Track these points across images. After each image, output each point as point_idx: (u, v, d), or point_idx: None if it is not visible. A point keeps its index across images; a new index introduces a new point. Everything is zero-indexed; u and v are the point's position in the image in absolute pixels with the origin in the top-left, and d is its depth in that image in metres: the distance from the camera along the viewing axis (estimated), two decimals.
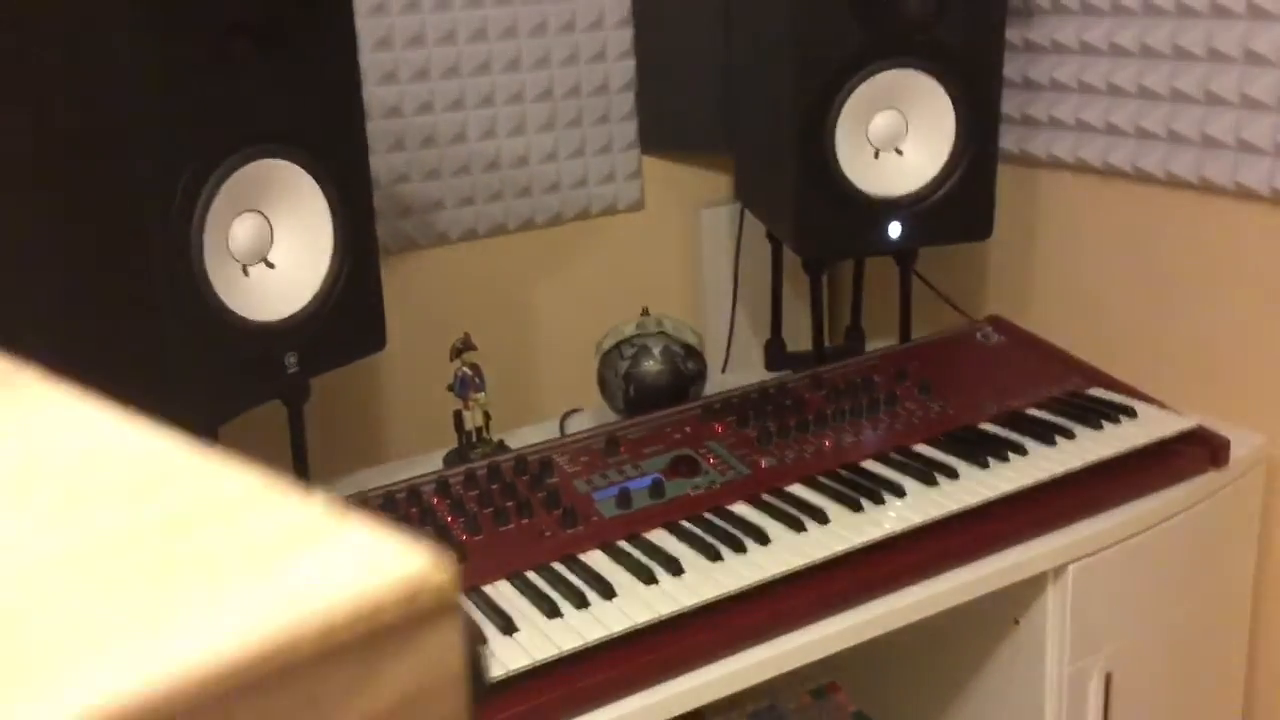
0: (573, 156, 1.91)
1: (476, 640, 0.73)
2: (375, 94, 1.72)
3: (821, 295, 1.69)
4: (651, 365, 1.46)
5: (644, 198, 1.98)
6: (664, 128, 1.92)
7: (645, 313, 1.52)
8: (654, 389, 1.46)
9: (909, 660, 1.51)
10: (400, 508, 1.21)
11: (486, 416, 1.48)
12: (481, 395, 1.46)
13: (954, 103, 1.48)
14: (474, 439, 1.47)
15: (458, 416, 1.46)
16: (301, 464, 1.35)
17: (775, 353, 1.78)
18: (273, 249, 1.18)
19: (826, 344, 1.73)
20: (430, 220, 1.81)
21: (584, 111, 1.89)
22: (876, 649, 1.54)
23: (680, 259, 2.02)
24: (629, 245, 1.97)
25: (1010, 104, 1.74)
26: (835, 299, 2.09)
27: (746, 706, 1.47)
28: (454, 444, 1.50)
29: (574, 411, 1.69)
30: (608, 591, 1.09)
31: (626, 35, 1.89)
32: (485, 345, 1.68)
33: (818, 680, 1.52)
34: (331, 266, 1.20)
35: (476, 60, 1.78)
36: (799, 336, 1.83)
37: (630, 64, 1.90)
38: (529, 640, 1.03)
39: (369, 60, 1.70)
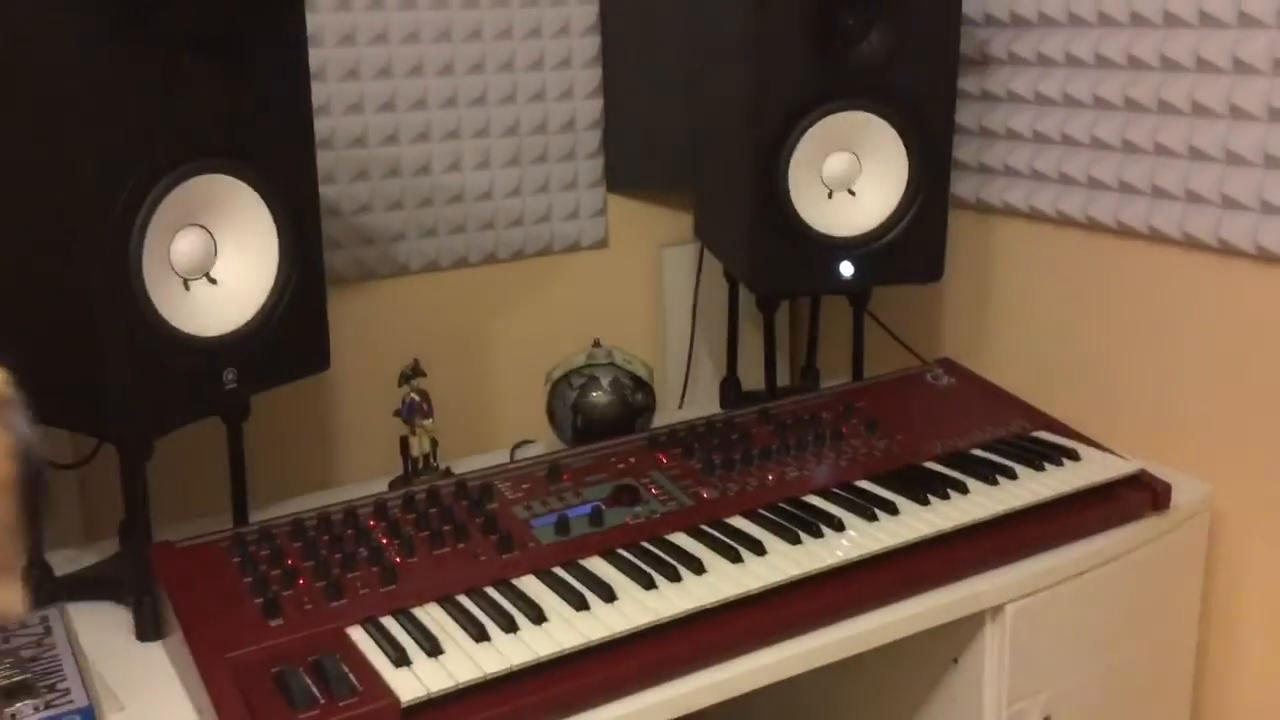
0: (537, 192, 1.92)
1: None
2: (340, 124, 1.73)
3: (774, 333, 1.70)
4: (600, 396, 1.46)
5: (608, 235, 1.99)
6: (629, 167, 1.94)
7: (597, 344, 1.53)
8: (602, 420, 1.46)
9: (849, 700, 1.50)
10: (335, 528, 1.20)
11: (434, 443, 1.47)
12: (429, 422, 1.46)
13: (906, 146, 1.50)
14: (420, 465, 1.46)
15: (404, 442, 1.46)
16: (240, 483, 1.34)
17: (730, 391, 1.78)
18: (216, 265, 1.18)
19: (783, 384, 1.74)
20: (392, 251, 1.81)
21: (550, 148, 1.91)
22: (816, 689, 1.53)
23: (642, 297, 2.03)
24: (591, 282, 1.98)
25: (966, 151, 1.77)
26: (794, 341, 2.10)
27: None
28: (401, 471, 1.49)
29: (525, 443, 1.68)
30: (538, 616, 1.09)
31: (595, 74, 1.90)
32: (441, 376, 1.68)
33: None
34: (275, 284, 1.20)
35: (443, 94, 1.80)
36: (757, 376, 1.84)
37: (598, 103, 1.92)
38: (453, 663, 1.02)
39: (335, 89, 1.71)
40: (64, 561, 1.31)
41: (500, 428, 1.87)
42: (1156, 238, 1.54)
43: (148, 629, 1.19)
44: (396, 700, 0.97)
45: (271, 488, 1.57)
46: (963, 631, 1.30)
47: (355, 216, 1.77)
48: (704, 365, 2.03)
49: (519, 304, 1.93)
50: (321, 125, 1.70)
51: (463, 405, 1.88)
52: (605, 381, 1.46)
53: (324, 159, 1.72)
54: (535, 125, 1.88)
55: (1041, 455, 1.39)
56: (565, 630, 1.07)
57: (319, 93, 1.69)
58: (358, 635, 1.07)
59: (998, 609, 1.27)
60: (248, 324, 1.19)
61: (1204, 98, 1.44)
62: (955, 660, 1.33)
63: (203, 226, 1.16)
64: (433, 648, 1.04)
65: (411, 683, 0.99)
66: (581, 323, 1.94)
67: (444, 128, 1.81)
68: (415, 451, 1.46)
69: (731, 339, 1.78)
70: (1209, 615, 1.53)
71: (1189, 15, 1.44)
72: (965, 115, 1.76)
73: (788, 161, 1.47)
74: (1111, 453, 1.43)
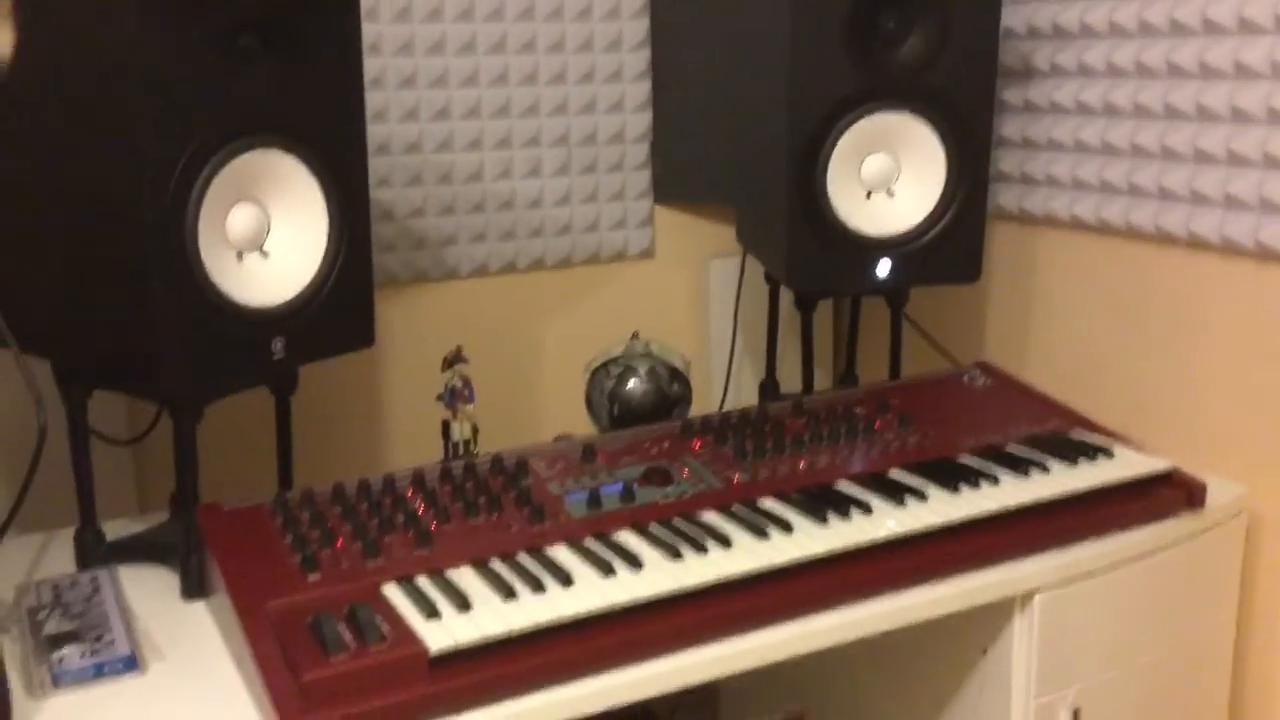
0: (586, 201, 1.96)
1: None
2: (396, 130, 1.79)
3: (812, 332, 1.72)
4: (636, 385, 1.49)
5: (654, 246, 2.03)
6: (676, 179, 1.98)
7: (635, 336, 1.56)
8: (638, 409, 1.48)
9: (877, 689, 1.50)
10: (374, 495, 1.24)
11: (475, 429, 1.51)
12: (470, 407, 1.50)
13: (945, 147, 1.52)
14: (461, 450, 1.50)
15: (445, 427, 1.49)
16: (286, 455, 1.38)
17: (768, 392, 1.80)
18: (268, 239, 1.23)
19: (821, 388, 1.75)
20: (442, 255, 1.86)
21: (599, 159, 1.95)
22: (844, 678, 1.54)
23: (686, 308, 2.06)
24: (636, 291, 2.02)
25: (1009, 163, 1.79)
26: (834, 349, 2.12)
27: None
28: (442, 457, 1.52)
29: (564, 436, 1.71)
30: (566, 580, 1.11)
31: (644, 88, 1.95)
32: (486, 378, 1.71)
33: (786, 709, 1.51)
34: (324, 260, 1.25)
35: (496, 104, 1.85)
36: (796, 381, 1.86)
37: (647, 116, 1.97)
38: (481, 618, 1.05)
39: (393, 97, 1.77)
40: (116, 530, 1.36)
41: (541, 429, 1.91)
42: (1195, 243, 1.54)
43: (192, 588, 1.23)
44: (425, 648, 1.00)
45: (316, 474, 1.61)
46: (991, 622, 1.30)
47: (408, 220, 1.83)
48: (746, 374, 2.05)
49: (565, 310, 1.97)
50: (378, 131, 1.77)
51: (506, 406, 1.91)
52: (642, 371, 1.49)
53: (380, 163, 1.78)
54: (585, 136, 1.93)
55: (1076, 452, 1.39)
56: (592, 593, 1.09)
57: (377, 100, 1.75)
58: (391, 591, 1.10)
59: (1027, 598, 1.28)
60: (296, 297, 1.23)
61: (1243, 102, 1.45)
62: (984, 651, 1.33)
63: (256, 201, 1.21)
64: (462, 604, 1.06)
65: (440, 633, 1.02)
66: (625, 330, 1.96)
67: (496, 136, 1.87)
68: (456, 436, 1.49)
69: (771, 341, 1.80)
70: (1248, 622, 1.51)
71: (1228, 22, 1.45)
72: (1009, 127, 1.78)
73: (826, 161, 1.50)
74: (1145, 451, 1.43)
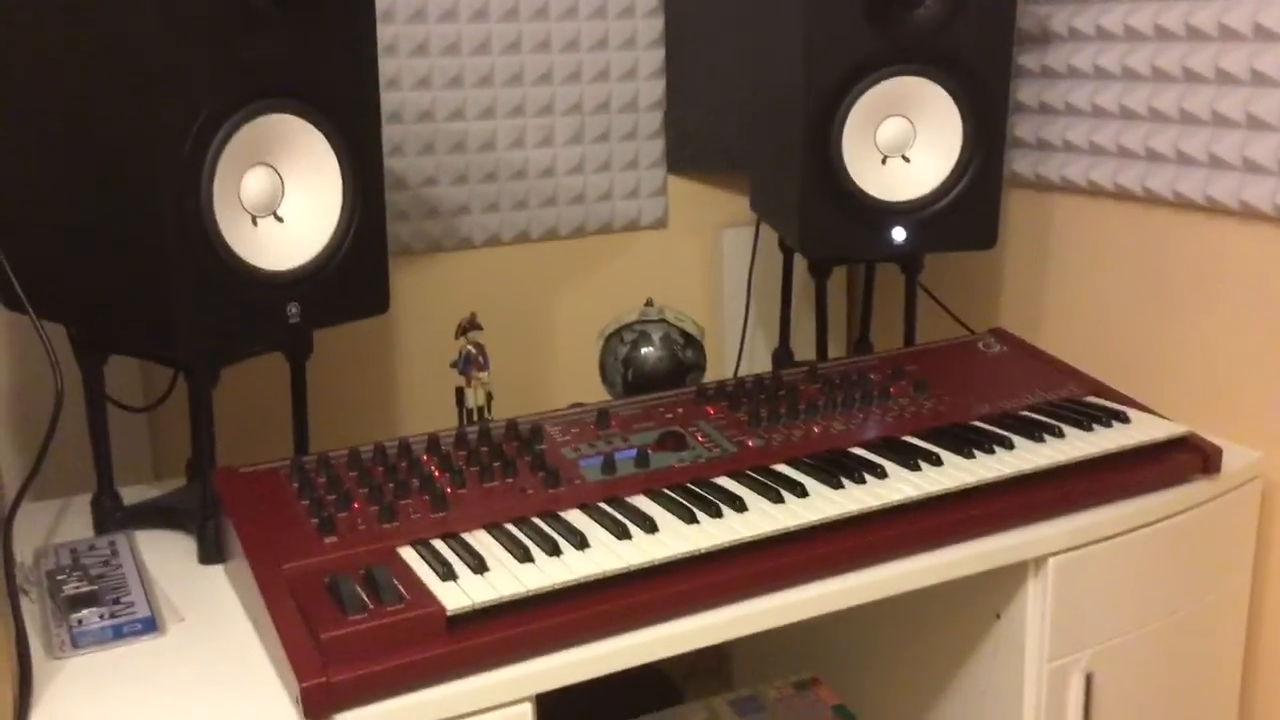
0: (599, 171, 1.96)
1: None
2: (409, 98, 1.79)
3: (826, 299, 1.72)
4: (650, 351, 1.49)
5: (667, 215, 2.02)
6: (690, 148, 1.97)
7: (649, 303, 1.56)
8: (652, 375, 1.48)
9: (891, 655, 1.50)
10: (390, 459, 1.24)
11: (489, 396, 1.51)
12: (484, 374, 1.50)
13: (961, 112, 1.51)
14: (475, 417, 1.50)
15: (459, 394, 1.50)
16: (301, 420, 1.39)
17: (782, 360, 1.80)
18: (283, 203, 1.23)
19: (835, 356, 1.75)
20: (455, 224, 1.86)
21: (612, 127, 1.95)
22: (857, 643, 1.54)
23: (700, 277, 2.06)
24: (649, 261, 2.01)
25: (1025, 129, 1.78)
26: (848, 317, 2.12)
27: (728, 694, 1.48)
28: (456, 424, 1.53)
29: (578, 405, 1.71)
30: (581, 543, 1.11)
31: (658, 55, 1.94)
32: (498, 347, 1.72)
33: (800, 673, 1.52)
34: (339, 225, 1.25)
35: (509, 71, 1.85)
36: (810, 350, 1.85)
37: (660, 84, 1.96)
38: (497, 579, 1.05)
39: (405, 65, 1.77)
40: (132, 497, 1.37)
41: (554, 398, 1.91)
42: (1213, 208, 1.53)
43: (209, 552, 1.24)
44: (442, 608, 1.00)
45: (329, 442, 1.62)
46: (1006, 585, 1.30)
47: (421, 189, 1.83)
48: (759, 344, 2.05)
49: (578, 280, 1.97)
50: (391, 99, 1.76)
51: (519, 376, 1.92)
52: (656, 337, 1.49)
53: (392, 132, 1.78)
54: (598, 104, 1.92)
55: (1091, 417, 1.39)
56: (607, 555, 1.09)
57: (389, 68, 1.75)
58: (407, 554, 1.10)
59: (1040, 561, 1.28)
60: (311, 261, 1.23)
61: (1262, 65, 1.44)
62: (998, 615, 1.33)
63: (271, 166, 1.21)
64: (478, 565, 1.07)
65: (457, 594, 1.02)
66: (638, 299, 1.97)
67: (509, 104, 1.86)
68: (470, 403, 1.50)
69: (785, 309, 1.80)
70: (1262, 588, 1.51)
71: None
72: (1025, 92, 1.77)
73: (842, 126, 1.49)
74: (1161, 416, 1.43)
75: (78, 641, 1.08)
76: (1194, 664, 1.44)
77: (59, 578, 1.18)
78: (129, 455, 1.55)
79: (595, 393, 1.60)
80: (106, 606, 1.12)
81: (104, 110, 1.14)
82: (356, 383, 1.82)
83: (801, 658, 1.64)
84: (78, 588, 1.16)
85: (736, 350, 2.00)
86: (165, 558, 1.26)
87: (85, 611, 1.11)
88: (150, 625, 1.10)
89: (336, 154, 1.24)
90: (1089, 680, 1.33)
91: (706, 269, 2.07)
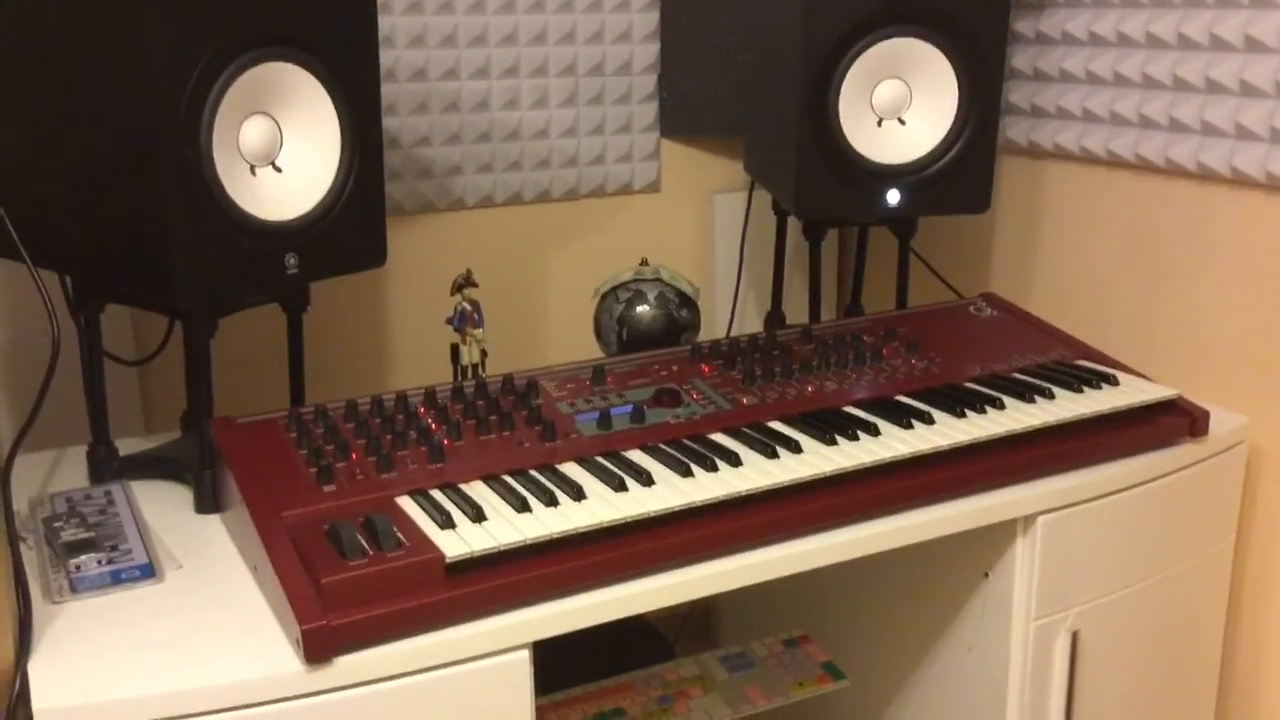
0: (592, 134, 1.95)
1: None
2: (403, 56, 1.78)
3: (819, 262, 1.73)
4: (646, 310, 1.49)
5: (660, 180, 2.02)
6: (684, 112, 1.97)
7: (644, 263, 1.56)
8: (647, 333, 1.49)
9: (880, 614, 1.52)
10: (387, 411, 1.25)
11: (483, 354, 1.51)
12: (479, 331, 1.50)
13: (957, 75, 1.52)
14: (469, 374, 1.50)
15: (454, 350, 1.50)
16: (298, 372, 1.39)
17: (774, 323, 1.81)
18: (281, 153, 1.23)
19: (827, 319, 1.76)
20: (448, 185, 1.86)
21: (606, 90, 1.94)
22: (849, 600, 1.56)
23: (692, 242, 2.06)
24: (642, 225, 2.01)
25: (1019, 95, 1.78)
26: (840, 281, 2.13)
27: (719, 651, 1.49)
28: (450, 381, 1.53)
29: None
30: (578, 494, 1.12)
31: (653, 18, 1.94)
32: (491, 308, 1.72)
33: (790, 631, 1.53)
34: (337, 176, 1.25)
35: (503, 31, 1.84)
36: (802, 314, 1.86)
37: (654, 47, 1.95)
38: (496, 528, 1.06)
39: (399, 23, 1.76)
40: (125, 449, 1.37)
41: (546, 360, 1.91)
42: (1205, 175, 1.55)
43: (206, 502, 1.24)
44: (441, 554, 1.01)
45: (322, 398, 1.62)
46: (995, 544, 1.32)
47: (414, 149, 1.82)
48: (750, 308, 2.06)
49: (570, 242, 1.97)
50: (385, 58, 1.76)
51: (511, 337, 1.92)
52: (651, 296, 1.50)
53: (386, 91, 1.77)
54: (592, 66, 1.92)
55: (1081, 379, 1.40)
56: (604, 507, 1.10)
57: (383, 25, 1.74)
58: (406, 503, 1.11)
59: (1029, 520, 1.29)
60: (310, 212, 1.23)
61: (1256, 31, 1.45)
62: (986, 575, 1.35)
63: (270, 115, 1.21)
64: (477, 514, 1.08)
65: (456, 542, 1.03)
66: (630, 262, 1.97)
67: (503, 64, 1.86)
68: (465, 360, 1.50)
69: (778, 273, 1.80)
70: (1245, 551, 1.53)
71: None
72: (1020, 59, 1.77)
73: (838, 88, 1.49)
74: (1150, 380, 1.45)
75: (76, 586, 1.08)
76: (1178, 624, 1.47)
77: (56, 524, 1.18)
78: (119, 409, 1.55)
79: (586, 353, 1.61)
80: (104, 552, 1.13)
81: (103, 59, 1.13)
82: (348, 340, 1.82)
83: (789, 618, 1.65)
84: (75, 534, 1.16)
85: (728, 314, 2.01)
86: (161, 507, 1.26)
87: (84, 557, 1.12)
88: (148, 571, 1.11)
89: (335, 104, 1.24)
90: (1075, 638, 1.35)
91: (698, 233, 2.07)
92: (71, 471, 1.36)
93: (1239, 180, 1.50)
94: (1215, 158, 1.52)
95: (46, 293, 1.16)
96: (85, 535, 1.16)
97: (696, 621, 1.99)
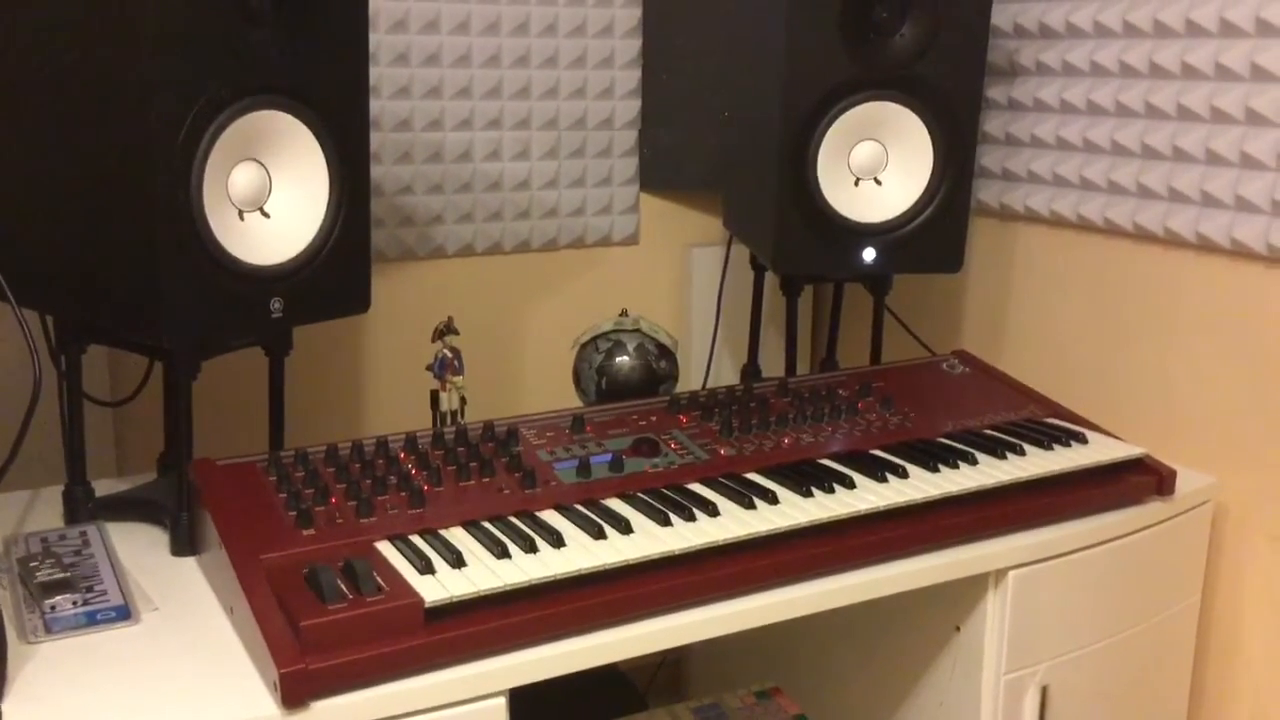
0: (573, 186, 1.98)
1: None
2: (387, 107, 1.81)
3: (796, 317, 1.75)
4: (625, 361, 1.51)
5: (639, 232, 2.05)
6: (663, 167, 2.01)
7: (624, 313, 1.58)
8: (625, 384, 1.51)
9: (852, 667, 1.53)
10: (367, 456, 1.25)
11: (463, 400, 1.52)
12: (459, 379, 1.51)
13: (933, 138, 1.56)
14: (448, 421, 1.51)
15: (434, 397, 1.51)
16: (278, 415, 1.39)
17: (750, 377, 1.83)
18: (270, 199, 1.24)
19: (802, 373, 1.78)
20: (429, 233, 1.88)
21: (587, 144, 1.98)
22: (820, 652, 1.57)
23: (669, 295, 2.09)
24: (620, 277, 2.04)
25: (991, 159, 1.83)
26: (815, 337, 2.16)
27: (690, 702, 1.49)
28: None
29: None
30: (557, 541, 1.13)
31: (635, 75, 1.98)
32: (469, 357, 1.73)
33: (762, 683, 1.54)
34: (324, 223, 1.26)
35: (487, 84, 1.87)
36: (777, 368, 1.88)
37: (636, 103, 1.99)
38: (475, 574, 1.07)
39: (386, 74, 1.79)
40: (99, 491, 1.37)
41: (524, 407, 1.92)
42: (1171, 240, 1.59)
43: (183, 544, 1.24)
44: (420, 600, 1.02)
45: (301, 442, 1.63)
46: (966, 598, 1.34)
47: (397, 197, 1.84)
48: (726, 359, 2.08)
49: (549, 293, 1.99)
50: (370, 107, 1.77)
51: (489, 386, 1.93)
52: (631, 347, 1.51)
53: (370, 139, 1.79)
54: (575, 120, 1.95)
55: (1050, 437, 1.43)
56: (583, 554, 1.11)
57: (370, 75, 1.76)
58: (385, 548, 1.12)
59: (1001, 574, 1.31)
60: (296, 258, 1.25)
61: (1222, 104, 1.49)
62: (958, 628, 1.36)
63: (260, 162, 1.22)
64: (456, 560, 1.08)
65: (435, 587, 1.04)
66: (608, 313, 1.99)
67: (486, 116, 1.88)
68: (444, 406, 1.51)
69: (754, 326, 1.83)
70: (1210, 607, 1.56)
71: (1210, 24, 1.50)
72: (992, 124, 1.82)
73: (817, 148, 1.53)
74: (1118, 438, 1.47)
75: (51, 627, 1.08)
76: (1145, 679, 1.48)
77: (31, 564, 1.18)
78: (93, 450, 1.54)
79: (564, 402, 1.62)
80: (80, 594, 1.12)
81: (97, 102, 1.15)
82: (328, 384, 1.83)
83: (761, 670, 1.66)
84: (51, 575, 1.16)
85: (704, 367, 2.03)
86: (136, 549, 1.26)
87: (59, 598, 1.11)
88: (124, 613, 1.10)
89: (324, 152, 1.26)
90: (1044, 693, 1.36)
91: (675, 286, 2.10)
92: (46, 512, 1.36)
93: (1204, 245, 1.55)
94: (1182, 223, 1.56)
95: (29, 332, 1.16)
96: (61, 576, 1.16)
97: (667, 672, 1.99)
